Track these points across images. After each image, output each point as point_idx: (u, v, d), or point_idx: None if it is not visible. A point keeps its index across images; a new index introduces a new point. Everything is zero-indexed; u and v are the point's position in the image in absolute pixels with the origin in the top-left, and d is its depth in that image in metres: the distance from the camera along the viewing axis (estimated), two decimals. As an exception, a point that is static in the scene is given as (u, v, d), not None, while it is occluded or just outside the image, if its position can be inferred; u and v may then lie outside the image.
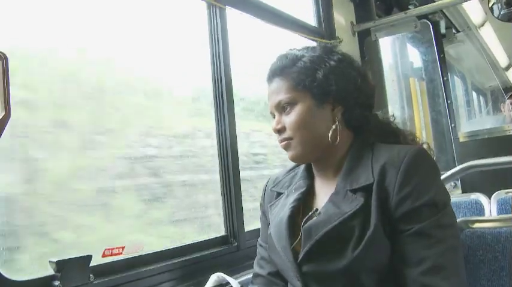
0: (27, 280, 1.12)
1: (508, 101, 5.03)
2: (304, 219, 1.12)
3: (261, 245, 1.32)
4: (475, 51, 4.88)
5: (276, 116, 1.16)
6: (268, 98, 1.19)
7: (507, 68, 7.20)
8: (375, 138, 1.16)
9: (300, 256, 1.07)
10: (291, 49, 1.20)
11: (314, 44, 2.49)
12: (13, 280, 1.08)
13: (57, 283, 1.13)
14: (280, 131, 1.14)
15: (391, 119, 1.26)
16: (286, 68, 1.14)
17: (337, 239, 1.02)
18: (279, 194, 1.26)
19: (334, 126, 1.12)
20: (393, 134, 1.21)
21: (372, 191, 1.03)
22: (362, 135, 1.16)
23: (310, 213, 1.12)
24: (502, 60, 6.55)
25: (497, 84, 5.25)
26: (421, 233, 0.99)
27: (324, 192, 1.15)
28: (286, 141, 1.14)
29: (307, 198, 1.19)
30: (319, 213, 1.09)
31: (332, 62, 1.13)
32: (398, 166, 1.02)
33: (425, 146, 1.20)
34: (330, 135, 1.11)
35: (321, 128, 1.12)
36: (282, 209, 1.19)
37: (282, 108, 1.14)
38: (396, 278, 1.01)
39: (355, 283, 1.03)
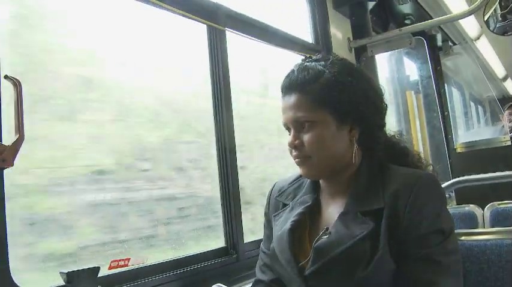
0: (40, 291, 1.19)
1: (506, 112, 5.09)
2: (313, 235, 1.14)
3: (263, 252, 1.31)
4: (472, 63, 4.95)
5: (292, 131, 1.12)
6: (283, 110, 1.14)
7: (504, 79, 7.27)
8: (385, 158, 1.18)
9: (308, 272, 1.09)
10: (308, 60, 1.15)
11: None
12: (25, 290, 1.14)
13: (68, 294, 1.19)
14: (297, 147, 1.11)
15: (398, 136, 1.27)
16: (307, 83, 1.10)
17: (347, 259, 1.04)
18: (284, 205, 1.25)
19: (355, 147, 1.12)
20: (401, 154, 1.23)
21: (382, 215, 1.05)
22: (372, 155, 1.16)
23: (321, 233, 1.12)
24: (499, 71, 6.62)
25: (495, 94, 5.31)
26: (427, 259, 1.01)
27: (331, 210, 1.16)
28: (301, 159, 1.12)
29: (312, 213, 1.19)
30: (330, 233, 1.09)
31: (354, 81, 1.10)
32: (409, 194, 1.03)
33: (430, 168, 1.23)
34: (353, 156, 1.11)
35: (339, 148, 1.11)
36: (285, 223, 1.19)
37: (300, 124, 1.10)
38: None
39: None
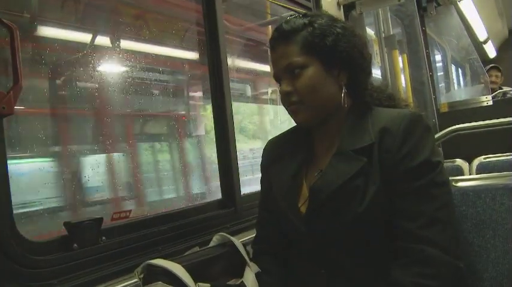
0: (46, 241, 1.18)
1: (489, 73, 5.19)
2: (310, 180, 1.19)
3: (261, 207, 1.38)
4: (455, 25, 4.97)
5: (283, 79, 1.18)
6: (273, 62, 1.21)
7: (485, 42, 7.34)
8: (373, 102, 1.24)
9: (307, 215, 1.15)
10: (296, 15, 1.22)
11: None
12: (32, 241, 1.14)
13: (75, 245, 1.20)
14: (289, 94, 1.17)
15: (384, 85, 1.33)
16: (295, 32, 1.16)
17: (343, 197, 1.10)
18: (279, 156, 1.30)
19: (344, 90, 1.17)
20: (389, 98, 1.28)
21: (373, 151, 1.11)
22: (361, 99, 1.22)
23: (315, 174, 1.19)
24: (481, 34, 6.68)
25: (476, 57, 5.36)
26: (417, 191, 1.08)
27: (325, 153, 1.22)
28: (296, 105, 1.17)
29: (309, 159, 1.25)
30: (325, 173, 1.15)
31: (338, 29, 1.17)
32: (397, 129, 1.10)
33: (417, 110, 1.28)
34: (342, 98, 1.17)
35: (328, 92, 1.17)
36: (284, 171, 1.25)
37: (290, 71, 1.16)
38: (396, 232, 1.09)
39: (360, 238, 1.12)
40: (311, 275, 1.18)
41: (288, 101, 1.18)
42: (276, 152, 1.33)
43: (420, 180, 1.08)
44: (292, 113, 1.20)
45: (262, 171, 1.38)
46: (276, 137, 1.40)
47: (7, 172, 1.09)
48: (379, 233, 1.12)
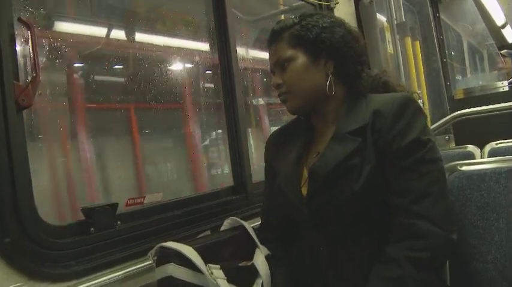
0: (65, 225, 1.25)
1: (506, 59, 5.10)
2: (310, 163, 1.25)
3: (266, 196, 1.44)
4: (471, 9, 4.91)
5: (275, 73, 1.29)
6: (269, 59, 1.32)
7: (503, 26, 7.20)
8: (366, 90, 1.29)
9: (308, 195, 1.21)
10: (289, 17, 1.33)
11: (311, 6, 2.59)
12: (51, 224, 1.20)
13: (92, 229, 1.26)
14: (279, 85, 1.27)
15: (382, 73, 1.39)
16: (284, 31, 1.27)
17: (340, 176, 1.16)
18: (282, 145, 1.37)
19: (331, 78, 1.24)
20: (383, 86, 1.35)
21: (367, 132, 1.17)
22: (354, 87, 1.28)
23: (314, 156, 1.25)
24: (498, 18, 6.56)
25: (493, 42, 5.29)
26: (408, 168, 1.14)
27: (323, 138, 1.27)
28: (284, 95, 1.27)
29: (309, 145, 1.32)
30: (322, 154, 1.21)
31: (324, 24, 1.25)
32: (388, 111, 1.16)
33: (414, 95, 1.32)
34: (327, 86, 1.23)
35: (314, 80, 1.24)
36: (287, 158, 1.31)
37: (280, 65, 1.26)
38: (390, 210, 1.15)
39: (358, 216, 1.18)
40: (314, 255, 1.23)
41: (279, 91, 1.28)
42: (279, 141, 1.40)
43: (410, 158, 1.13)
44: (283, 102, 1.29)
45: (265, 161, 1.45)
46: (278, 128, 1.48)
47: (28, 160, 1.15)
48: (375, 211, 1.17)
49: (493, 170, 1.32)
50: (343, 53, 1.24)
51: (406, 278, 1.07)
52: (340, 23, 1.29)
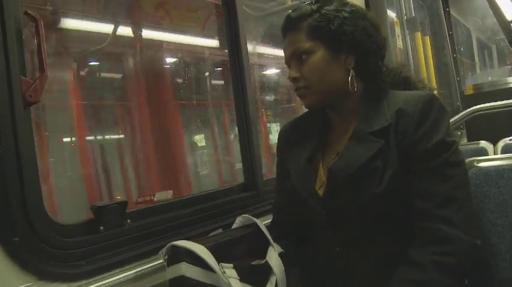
0: (74, 224, 1.23)
1: None
2: (327, 163, 1.21)
3: (277, 192, 1.40)
4: (481, 4, 4.85)
5: (291, 65, 1.21)
6: (284, 50, 1.24)
7: (513, 21, 7.12)
8: (387, 86, 1.24)
9: (325, 197, 1.17)
10: (305, 2, 1.23)
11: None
12: (61, 224, 1.18)
13: (101, 227, 1.23)
14: (296, 79, 1.19)
15: (402, 67, 1.33)
16: (301, 20, 1.19)
17: (361, 179, 1.12)
18: (295, 140, 1.32)
19: (351, 74, 1.17)
20: (404, 82, 1.28)
21: (389, 133, 1.12)
22: (374, 83, 1.22)
23: (333, 156, 1.20)
24: (509, 12, 6.48)
25: (503, 37, 5.22)
26: (434, 171, 1.09)
27: (341, 136, 1.22)
28: (302, 90, 1.20)
29: (324, 143, 1.27)
30: (342, 155, 1.16)
31: (346, 14, 1.17)
32: (412, 111, 1.11)
33: (435, 92, 1.28)
34: (349, 82, 1.17)
35: (335, 76, 1.18)
36: (300, 154, 1.26)
37: (297, 57, 1.19)
38: (413, 213, 1.11)
39: (378, 218, 1.14)
40: (329, 255, 1.20)
41: (296, 86, 1.21)
42: (291, 136, 1.35)
43: (435, 161, 1.09)
44: (300, 97, 1.23)
45: (278, 156, 1.40)
46: (290, 121, 1.42)
47: (35, 157, 1.12)
48: (396, 214, 1.13)
49: (511, 166, 1.28)
50: (365, 48, 1.18)
51: (431, 282, 1.04)
52: (363, 13, 1.22)
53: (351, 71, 1.18)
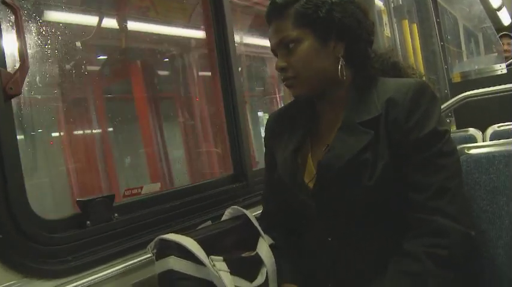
0: (59, 219, 1.20)
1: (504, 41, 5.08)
2: (317, 154, 1.18)
3: (266, 182, 1.39)
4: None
5: (279, 54, 1.17)
6: (270, 38, 1.19)
7: (499, 9, 7.17)
8: (376, 72, 1.21)
9: (315, 189, 1.15)
10: None
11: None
12: (46, 219, 1.15)
13: (88, 222, 1.21)
14: (284, 69, 1.15)
15: (390, 52, 1.30)
16: (287, 7, 1.14)
17: (352, 171, 1.09)
18: (282, 130, 1.29)
19: (341, 63, 1.14)
20: (393, 68, 1.25)
21: (380, 123, 1.09)
22: (363, 70, 1.19)
23: (323, 149, 1.17)
24: (495, 0, 6.51)
25: (489, 25, 5.25)
26: (426, 161, 1.07)
27: (330, 127, 1.19)
28: (290, 80, 1.16)
29: (313, 133, 1.24)
30: (332, 147, 1.14)
31: None
32: (403, 100, 1.08)
33: (424, 78, 1.27)
34: (339, 70, 1.13)
35: (324, 64, 1.14)
36: (286, 145, 1.24)
37: (285, 46, 1.14)
38: (406, 204, 1.09)
39: (370, 210, 1.12)
40: (320, 246, 1.18)
41: (283, 75, 1.17)
42: (278, 126, 1.31)
43: (428, 151, 1.07)
44: (288, 87, 1.18)
45: (265, 145, 1.38)
46: (278, 110, 1.38)
47: (18, 153, 1.09)
48: (388, 204, 1.12)
49: (501, 153, 1.28)
50: (355, 34, 1.14)
51: (425, 274, 1.03)
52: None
53: (341, 59, 1.14)
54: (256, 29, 3.75)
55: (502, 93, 1.79)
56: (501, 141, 1.41)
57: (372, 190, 1.08)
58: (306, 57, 1.13)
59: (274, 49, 1.19)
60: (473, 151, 1.33)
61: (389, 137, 1.09)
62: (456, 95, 3.49)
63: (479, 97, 1.84)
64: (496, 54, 4.82)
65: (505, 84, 3.39)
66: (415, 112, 1.08)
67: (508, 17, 8.18)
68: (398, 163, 1.09)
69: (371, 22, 1.20)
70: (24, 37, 1.11)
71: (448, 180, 1.06)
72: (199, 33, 3.11)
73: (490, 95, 1.83)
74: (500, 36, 5.65)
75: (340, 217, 1.15)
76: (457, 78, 3.86)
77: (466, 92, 3.56)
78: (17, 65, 1.10)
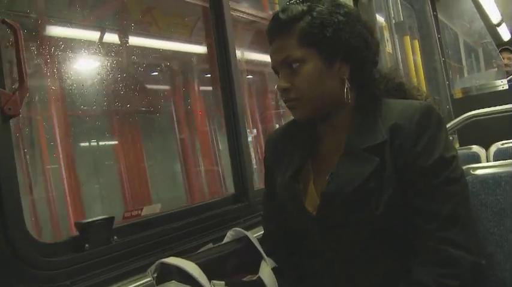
0: (57, 242, 1.18)
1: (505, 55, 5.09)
2: (320, 182, 1.14)
3: (266, 204, 1.35)
4: (468, 8, 4.88)
5: (281, 74, 1.11)
6: (271, 54, 1.13)
7: (498, 25, 7.20)
8: (381, 93, 1.17)
9: (319, 217, 1.11)
10: (293, 2, 1.12)
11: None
12: (43, 242, 1.13)
13: (86, 245, 1.18)
14: (286, 90, 1.10)
15: (394, 72, 1.27)
16: (293, 23, 1.08)
17: (357, 201, 1.06)
18: (281, 152, 1.24)
19: (346, 85, 1.10)
20: (399, 88, 1.22)
21: (385, 150, 1.05)
22: (368, 92, 1.15)
23: (327, 177, 1.12)
24: (494, 16, 6.54)
25: (489, 40, 5.27)
26: (434, 189, 1.03)
27: (332, 150, 1.15)
28: (293, 102, 1.11)
29: (314, 155, 1.19)
30: (336, 176, 1.09)
31: (340, 17, 1.07)
32: (408, 125, 1.04)
33: (429, 100, 1.22)
34: (345, 93, 1.09)
35: (328, 86, 1.10)
36: (288, 169, 1.19)
37: (288, 65, 1.09)
38: (414, 231, 1.05)
39: (376, 234, 1.08)
40: (323, 267, 1.15)
41: (285, 97, 1.11)
42: (278, 146, 1.27)
43: (436, 178, 1.03)
44: (290, 109, 1.13)
45: (264, 165, 1.33)
46: (278, 129, 1.34)
47: (16, 174, 1.08)
48: (394, 228, 1.08)
49: (508, 173, 1.25)
50: (361, 55, 1.10)
51: None
52: (357, 16, 1.12)
53: (346, 81, 1.10)
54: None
55: (506, 114, 1.77)
56: (507, 161, 1.39)
57: (379, 220, 1.05)
58: (310, 78, 1.08)
59: (275, 67, 1.13)
60: (479, 172, 1.31)
61: (395, 163, 1.05)
62: (458, 111, 3.50)
63: (483, 117, 1.82)
64: (496, 69, 4.82)
65: (506, 99, 3.40)
66: (421, 138, 1.04)
67: (508, 32, 8.21)
68: (404, 188, 1.05)
69: (376, 41, 1.16)
70: (24, 57, 1.10)
71: (457, 208, 1.03)
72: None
73: (496, 115, 1.82)
74: (501, 51, 5.68)
75: (344, 241, 1.11)
76: (458, 94, 3.85)
77: (468, 107, 3.55)
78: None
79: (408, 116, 1.05)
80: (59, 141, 2.30)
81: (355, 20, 1.10)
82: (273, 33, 1.12)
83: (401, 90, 1.22)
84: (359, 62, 1.10)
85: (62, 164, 2.26)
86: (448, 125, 1.86)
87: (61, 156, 2.28)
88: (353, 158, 1.08)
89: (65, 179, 2.26)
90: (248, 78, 3.97)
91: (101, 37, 2.51)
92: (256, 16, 3.43)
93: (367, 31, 1.12)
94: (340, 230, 1.10)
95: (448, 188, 1.03)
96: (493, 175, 1.27)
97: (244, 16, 3.34)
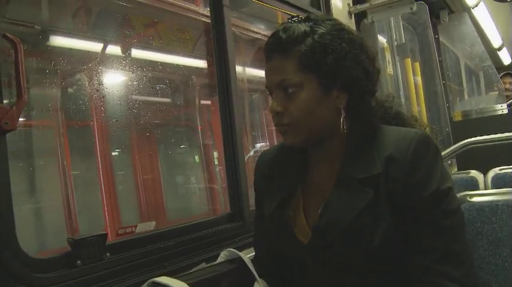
0: (49, 258, 1.16)
1: (503, 80, 5.11)
2: (312, 214, 1.11)
3: (256, 228, 1.32)
4: (468, 32, 4.91)
5: (275, 96, 1.07)
6: (266, 73, 1.08)
7: (499, 49, 7.24)
8: (377, 121, 1.13)
9: (311, 248, 1.08)
10: (295, 20, 1.07)
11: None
12: (35, 258, 1.12)
13: (78, 261, 1.17)
14: (279, 114, 1.05)
15: (391, 101, 1.23)
16: (294, 44, 1.03)
17: (351, 235, 1.02)
18: (270, 176, 1.20)
19: (342, 115, 1.06)
20: (396, 117, 1.20)
21: (379, 181, 1.01)
22: (363, 120, 1.10)
23: (318, 209, 1.08)
24: (495, 40, 6.58)
25: (490, 64, 5.29)
26: (429, 223, 1.00)
27: (324, 178, 1.11)
28: (285, 127, 1.06)
29: (305, 181, 1.16)
30: (328, 209, 1.06)
31: (344, 44, 1.03)
32: (404, 156, 1.00)
33: (427, 129, 1.19)
34: (340, 123, 1.05)
35: (323, 115, 1.05)
36: (276, 196, 1.15)
37: (283, 88, 1.04)
38: (409, 264, 1.03)
39: (369, 268, 1.06)
40: None
41: (277, 120, 1.07)
42: (268, 168, 1.23)
43: (432, 212, 1.00)
44: (282, 134, 1.09)
45: (255, 189, 1.29)
46: (267, 151, 1.29)
47: (10, 188, 1.07)
48: (391, 259, 1.05)
49: (505, 202, 1.25)
50: (361, 86, 1.05)
51: None
52: (360, 43, 1.07)
53: (342, 110, 1.06)
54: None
55: (505, 142, 1.77)
56: (504, 189, 1.39)
57: (373, 253, 1.02)
58: (305, 105, 1.03)
59: (269, 87, 1.08)
60: (475, 199, 1.30)
61: (389, 196, 1.01)
62: (457, 134, 3.50)
63: (480, 145, 1.82)
64: (497, 92, 4.84)
65: (506, 123, 3.40)
66: (417, 170, 1.00)
67: (508, 56, 8.27)
68: (399, 222, 1.02)
69: (377, 70, 1.12)
70: (23, 71, 1.10)
71: (454, 242, 1.00)
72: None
73: (493, 143, 1.82)
74: (502, 76, 5.70)
75: (338, 269, 1.08)
76: (458, 117, 3.86)
77: (468, 131, 3.56)
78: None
79: (404, 147, 1.02)
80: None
81: (358, 49, 1.05)
82: (271, 52, 1.07)
83: (400, 119, 1.20)
84: (358, 92, 1.06)
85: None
86: (445, 152, 1.86)
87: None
88: (346, 190, 1.04)
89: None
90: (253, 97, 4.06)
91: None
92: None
93: (370, 60, 1.07)
94: (334, 259, 1.07)
95: (444, 221, 1.00)
96: (489, 203, 1.26)
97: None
